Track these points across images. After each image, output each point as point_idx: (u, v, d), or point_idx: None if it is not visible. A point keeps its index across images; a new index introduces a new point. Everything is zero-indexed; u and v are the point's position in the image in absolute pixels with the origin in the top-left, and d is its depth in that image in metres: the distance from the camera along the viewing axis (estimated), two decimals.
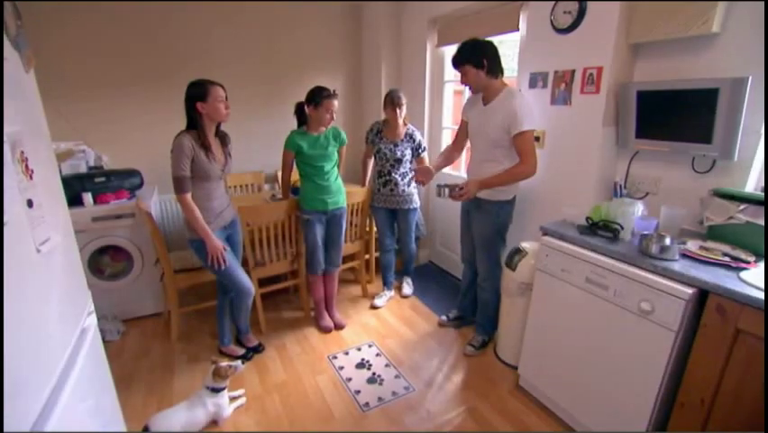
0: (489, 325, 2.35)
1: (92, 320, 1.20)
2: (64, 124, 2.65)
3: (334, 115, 2.26)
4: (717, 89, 1.45)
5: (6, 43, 0.87)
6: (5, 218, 0.74)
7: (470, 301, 2.55)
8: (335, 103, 2.22)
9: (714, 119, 1.49)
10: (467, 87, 2.03)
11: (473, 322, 2.50)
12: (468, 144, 2.27)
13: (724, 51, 1.54)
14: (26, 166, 0.86)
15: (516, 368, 2.09)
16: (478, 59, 1.86)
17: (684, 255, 1.43)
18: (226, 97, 1.86)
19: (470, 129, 2.15)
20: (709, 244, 1.49)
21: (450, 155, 2.33)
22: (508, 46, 2.77)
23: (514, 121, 1.84)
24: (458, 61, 1.92)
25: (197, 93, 1.79)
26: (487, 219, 2.11)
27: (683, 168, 1.73)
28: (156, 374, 2.14)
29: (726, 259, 1.36)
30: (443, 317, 2.61)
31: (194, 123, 1.83)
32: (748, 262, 1.33)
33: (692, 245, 1.47)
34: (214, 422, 1.80)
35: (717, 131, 1.50)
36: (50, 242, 0.93)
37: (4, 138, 0.78)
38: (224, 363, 1.82)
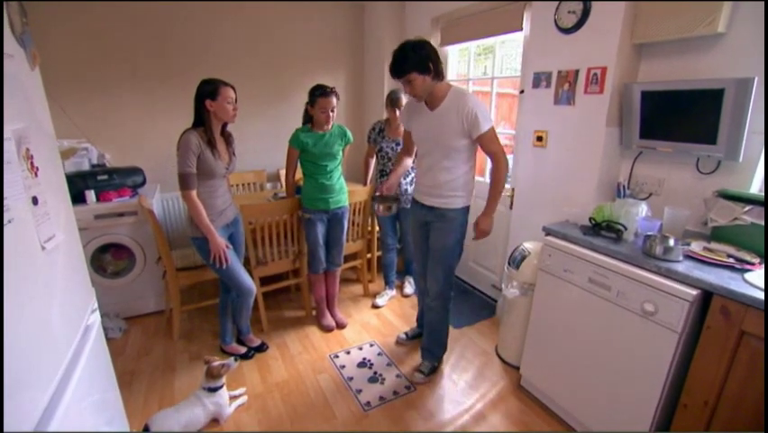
0: (438, 349, 2.16)
1: (95, 318, 1.20)
2: (67, 121, 2.66)
3: (331, 114, 2.19)
4: (723, 90, 1.45)
5: (12, 40, 0.87)
6: (11, 215, 0.74)
7: None
8: (333, 101, 2.16)
9: (719, 120, 1.49)
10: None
11: None
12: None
13: (729, 51, 1.53)
14: (31, 163, 0.86)
15: (517, 368, 2.09)
16: (423, 63, 1.65)
17: (688, 256, 1.42)
18: (236, 99, 1.89)
19: (416, 137, 1.93)
20: (713, 246, 1.48)
21: (404, 162, 2.12)
22: (511, 46, 2.77)
23: (475, 123, 1.69)
24: (402, 70, 1.67)
25: (208, 91, 1.81)
26: (451, 228, 1.89)
27: (687, 169, 1.73)
28: (158, 373, 2.14)
29: (731, 260, 1.36)
30: (402, 336, 2.41)
31: (201, 120, 1.85)
32: (753, 264, 1.33)
33: (696, 246, 1.47)
34: (215, 420, 1.80)
35: (722, 131, 1.49)
36: (54, 239, 0.93)
37: (11, 135, 0.78)
38: (217, 362, 1.82)
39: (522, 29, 2.34)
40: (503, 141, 3.37)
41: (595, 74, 1.87)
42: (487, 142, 1.75)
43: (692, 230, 1.67)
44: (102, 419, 1.14)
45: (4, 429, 0.67)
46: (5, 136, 0.76)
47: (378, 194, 2.07)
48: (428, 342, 2.15)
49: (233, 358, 1.88)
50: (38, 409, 0.78)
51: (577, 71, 1.95)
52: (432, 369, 2.13)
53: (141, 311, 2.67)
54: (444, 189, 1.86)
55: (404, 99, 2.54)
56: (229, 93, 1.84)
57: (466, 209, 1.92)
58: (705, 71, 1.60)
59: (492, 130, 1.74)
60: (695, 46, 1.62)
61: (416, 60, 1.65)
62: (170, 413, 1.71)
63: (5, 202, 0.73)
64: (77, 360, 0.98)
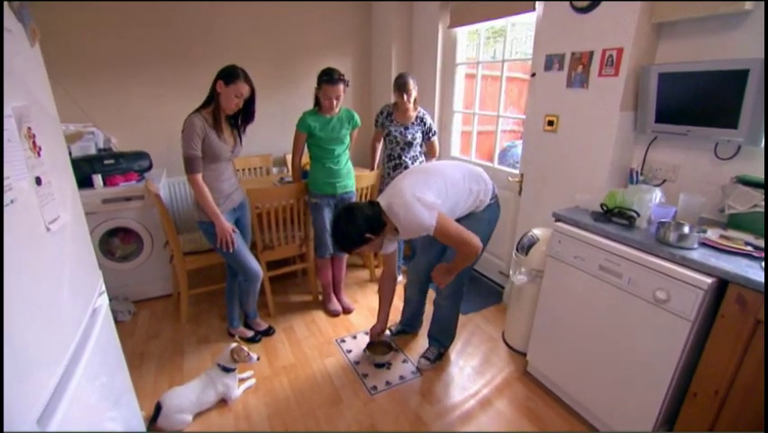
0: (446, 339, 2.16)
1: (103, 300, 1.21)
2: (73, 105, 2.64)
3: (335, 102, 2.15)
4: (748, 70, 1.38)
5: (11, 15, 0.85)
6: (14, 196, 0.73)
7: (416, 313, 2.34)
8: (339, 89, 2.12)
9: (741, 102, 1.42)
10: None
11: (416, 334, 2.36)
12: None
13: (755, 30, 1.45)
14: (33, 143, 0.84)
15: (524, 354, 2.08)
16: (363, 239, 1.64)
17: (703, 244, 1.38)
18: (251, 98, 1.91)
19: None
20: (730, 233, 1.44)
21: (388, 288, 2.09)
22: (521, 30, 2.68)
23: (422, 231, 1.63)
24: (349, 251, 1.73)
25: (227, 73, 1.81)
26: (478, 226, 1.78)
27: (704, 154, 1.67)
28: (166, 355, 2.17)
29: (749, 248, 1.32)
30: (387, 333, 2.32)
31: (212, 98, 1.84)
32: None
33: (712, 234, 1.43)
34: (223, 401, 1.82)
35: (743, 115, 1.43)
36: (59, 220, 0.93)
37: (11, 112, 0.76)
38: (246, 348, 1.85)
39: (535, 9, 2.26)
40: (511, 126, 3.34)
41: (610, 55, 1.81)
42: (444, 239, 1.67)
43: (708, 217, 1.63)
44: (112, 400, 1.15)
45: (15, 410, 0.67)
46: (6, 113, 0.74)
47: (369, 342, 2.03)
48: (436, 332, 2.15)
49: (256, 356, 1.90)
50: (48, 389, 0.79)
51: (591, 53, 1.88)
52: (438, 356, 2.14)
53: (149, 295, 2.70)
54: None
55: (411, 84, 2.49)
56: (242, 88, 1.83)
57: (495, 204, 1.87)
58: (728, 51, 1.53)
59: (439, 223, 1.60)
60: (718, 24, 1.55)
61: (358, 241, 1.64)
62: (182, 390, 1.74)
63: (7, 182, 0.72)
64: (85, 341, 0.99)
